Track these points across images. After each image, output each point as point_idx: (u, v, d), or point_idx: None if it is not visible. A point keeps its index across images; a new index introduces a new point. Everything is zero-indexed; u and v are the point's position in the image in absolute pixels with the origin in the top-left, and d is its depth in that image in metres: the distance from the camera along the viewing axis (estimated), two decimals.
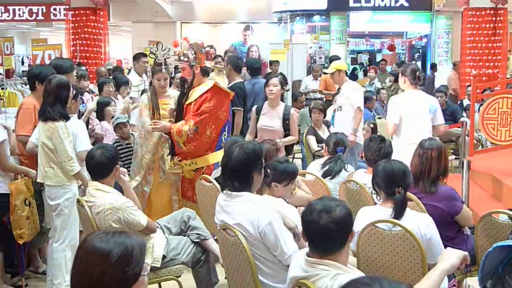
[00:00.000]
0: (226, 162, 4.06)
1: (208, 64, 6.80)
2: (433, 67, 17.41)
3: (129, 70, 11.62)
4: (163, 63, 6.65)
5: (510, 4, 14.46)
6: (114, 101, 7.70)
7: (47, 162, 5.50)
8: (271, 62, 13.84)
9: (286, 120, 7.15)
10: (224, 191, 4.08)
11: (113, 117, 7.48)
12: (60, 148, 5.42)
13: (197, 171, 6.39)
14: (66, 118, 5.55)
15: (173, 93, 7.01)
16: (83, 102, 7.56)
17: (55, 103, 5.50)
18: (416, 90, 6.87)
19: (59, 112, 5.48)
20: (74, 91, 6.01)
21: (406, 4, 18.19)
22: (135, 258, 2.30)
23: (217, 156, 6.25)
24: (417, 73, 6.82)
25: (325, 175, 6.06)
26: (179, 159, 6.40)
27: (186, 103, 6.42)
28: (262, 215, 3.81)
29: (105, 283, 2.25)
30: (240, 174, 3.97)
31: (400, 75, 7.06)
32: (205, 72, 6.56)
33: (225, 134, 6.45)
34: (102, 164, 4.60)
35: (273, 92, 7.11)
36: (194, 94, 6.39)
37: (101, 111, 7.45)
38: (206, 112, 6.23)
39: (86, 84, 8.70)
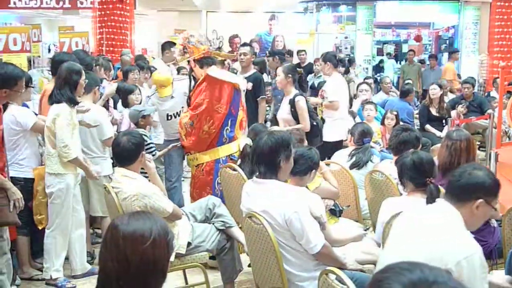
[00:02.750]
0: (255, 148, 4.07)
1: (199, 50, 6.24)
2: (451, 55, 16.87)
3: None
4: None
5: None
6: (139, 89, 7.68)
7: (48, 147, 5.51)
8: (298, 51, 13.78)
9: (292, 108, 7.10)
10: (252, 179, 4.09)
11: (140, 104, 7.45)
12: (59, 132, 5.39)
13: (198, 167, 6.24)
14: (74, 102, 5.53)
15: None
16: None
17: (63, 87, 5.51)
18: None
19: (66, 95, 5.47)
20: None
21: None
22: (170, 236, 2.31)
23: (217, 153, 6.14)
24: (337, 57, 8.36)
25: (353, 166, 6.01)
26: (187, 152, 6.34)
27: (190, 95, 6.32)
28: (289, 203, 3.81)
29: (145, 265, 2.24)
30: (268, 160, 3.97)
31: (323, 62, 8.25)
32: (203, 63, 6.20)
33: (227, 129, 6.13)
34: (128, 150, 4.62)
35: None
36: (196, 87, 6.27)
37: (125, 99, 7.42)
38: (200, 105, 6.03)
39: (105, 75, 8.66)
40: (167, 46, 9.74)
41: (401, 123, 8.36)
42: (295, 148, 4.31)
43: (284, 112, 7.18)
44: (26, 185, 5.57)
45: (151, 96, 7.33)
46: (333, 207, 4.99)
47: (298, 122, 7.10)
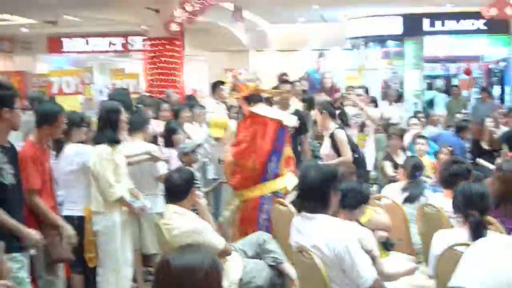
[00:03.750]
0: (303, 183, 4.08)
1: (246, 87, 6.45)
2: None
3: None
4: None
5: None
6: (182, 129, 7.76)
7: (93, 184, 5.59)
8: (346, 88, 13.78)
9: (333, 142, 7.00)
10: (301, 213, 4.09)
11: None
12: (102, 173, 5.43)
13: (244, 202, 6.27)
14: (115, 142, 5.58)
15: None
16: None
17: (105, 127, 5.60)
18: None
19: (107, 136, 5.55)
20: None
21: (483, 27, 17.75)
22: (220, 266, 2.34)
23: (262, 189, 6.17)
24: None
25: (406, 200, 5.95)
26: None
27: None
28: (339, 237, 3.79)
29: None
30: (316, 194, 3.97)
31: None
32: (251, 100, 6.33)
33: (272, 164, 6.16)
34: (179, 187, 4.69)
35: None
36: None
37: (169, 138, 7.46)
38: (243, 142, 6.11)
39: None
40: (217, 84, 9.87)
41: None
42: (345, 181, 4.31)
43: (326, 148, 7.13)
44: (79, 223, 5.65)
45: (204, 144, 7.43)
46: (384, 240, 4.94)
47: (339, 156, 6.97)
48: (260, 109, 6.26)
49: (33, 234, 4.42)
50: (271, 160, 6.16)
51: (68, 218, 5.41)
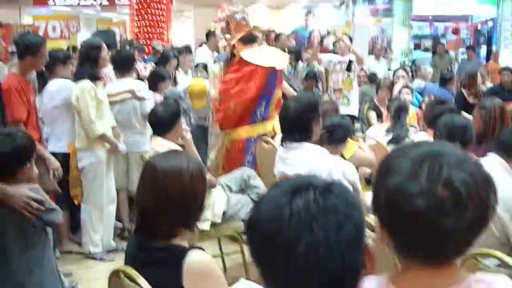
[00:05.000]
0: (284, 116, 4.10)
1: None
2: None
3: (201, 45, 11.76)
4: None
5: None
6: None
7: (77, 121, 5.57)
8: (334, 43, 13.75)
9: None
10: (284, 143, 4.12)
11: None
12: (84, 110, 5.41)
13: (232, 143, 6.28)
14: (95, 78, 5.54)
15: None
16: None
17: (84, 63, 5.57)
18: None
19: (87, 72, 5.51)
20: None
21: None
22: (204, 170, 2.38)
23: (250, 131, 6.17)
24: None
25: (392, 141, 6.00)
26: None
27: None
28: (322, 164, 3.84)
29: (185, 198, 2.31)
30: (299, 125, 4.00)
31: None
32: (247, 40, 6.26)
33: (261, 109, 6.17)
34: (164, 119, 4.71)
35: None
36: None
37: (155, 82, 7.43)
38: (229, 83, 6.12)
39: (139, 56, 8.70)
40: (211, 34, 9.81)
41: None
42: (330, 117, 4.34)
43: None
44: (64, 160, 5.62)
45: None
46: (369, 177, 5.00)
47: None
48: (251, 54, 6.21)
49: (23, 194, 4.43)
50: (261, 103, 6.17)
51: (53, 155, 5.38)
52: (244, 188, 5.17)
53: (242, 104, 6.11)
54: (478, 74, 10.14)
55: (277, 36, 11.79)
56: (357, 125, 9.46)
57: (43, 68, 5.74)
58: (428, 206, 1.34)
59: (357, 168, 4.68)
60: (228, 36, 6.46)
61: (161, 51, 9.58)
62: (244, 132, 6.21)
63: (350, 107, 8.63)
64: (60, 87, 5.70)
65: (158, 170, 2.35)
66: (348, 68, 8.51)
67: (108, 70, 6.51)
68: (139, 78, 7.08)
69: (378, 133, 6.16)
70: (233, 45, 6.29)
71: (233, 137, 6.24)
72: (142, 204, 2.42)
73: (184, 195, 2.32)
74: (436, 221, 1.34)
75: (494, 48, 18.49)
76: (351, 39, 8.91)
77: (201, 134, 7.06)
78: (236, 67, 6.19)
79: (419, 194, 1.35)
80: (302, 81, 9.07)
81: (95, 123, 5.44)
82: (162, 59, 8.34)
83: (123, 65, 6.20)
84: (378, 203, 1.46)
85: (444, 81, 10.39)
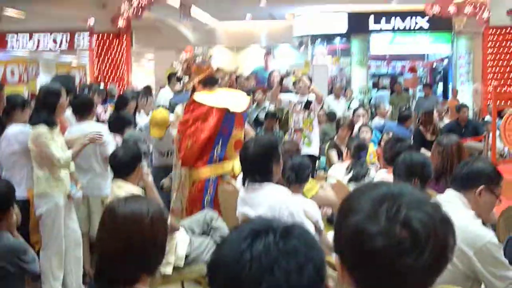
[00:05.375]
0: (244, 156, 4.11)
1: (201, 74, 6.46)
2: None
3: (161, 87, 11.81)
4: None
5: None
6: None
7: (34, 168, 5.50)
8: (293, 84, 13.87)
9: None
10: (245, 184, 4.12)
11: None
12: (47, 152, 5.34)
13: (193, 184, 6.27)
14: (51, 124, 5.47)
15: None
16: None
17: (41, 109, 5.50)
18: None
19: (43, 117, 5.43)
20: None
21: (426, 26, 18.18)
22: (166, 214, 2.37)
23: (208, 171, 6.17)
24: None
25: (352, 179, 6.05)
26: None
27: None
28: (284, 204, 3.84)
29: (146, 242, 2.29)
30: (259, 166, 4.01)
31: None
32: (207, 82, 6.38)
33: (217, 149, 6.20)
34: (125, 162, 4.69)
35: None
36: None
37: (117, 125, 7.44)
38: (185, 123, 6.19)
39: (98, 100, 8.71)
40: (173, 76, 9.86)
41: None
42: (293, 157, 4.38)
43: None
44: (23, 207, 5.53)
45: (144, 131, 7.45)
46: (330, 216, 5.03)
47: None
48: (204, 96, 6.27)
49: None
50: (218, 143, 6.19)
51: None
52: (206, 230, 5.15)
53: (197, 144, 6.14)
54: (435, 111, 10.34)
55: (237, 78, 11.87)
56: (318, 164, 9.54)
57: (1, 113, 5.68)
58: (387, 246, 1.36)
59: (319, 207, 4.71)
60: (187, 78, 6.52)
61: (120, 94, 9.59)
62: (201, 172, 6.21)
63: (311, 147, 8.69)
64: (18, 132, 5.64)
65: (118, 214, 2.33)
66: (306, 107, 8.60)
67: (68, 113, 6.48)
68: (99, 121, 7.05)
69: (339, 171, 6.22)
70: (194, 86, 6.34)
71: (193, 178, 6.24)
72: (102, 249, 2.39)
73: (145, 240, 2.30)
74: (395, 261, 1.36)
75: (450, 85, 18.92)
76: (310, 79, 9.01)
77: (163, 175, 7.03)
78: (191, 108, 6.24)
79: (378, 233, 1.37)
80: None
81: (59, 155, 5.35)
82: (121, 102, 8.36)
83: (82, 109, 6.18)
84: (339, 242, 1.48)
85: (403, 119, 10.57)
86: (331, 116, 11.02)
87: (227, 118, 6.25)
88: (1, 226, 3.23)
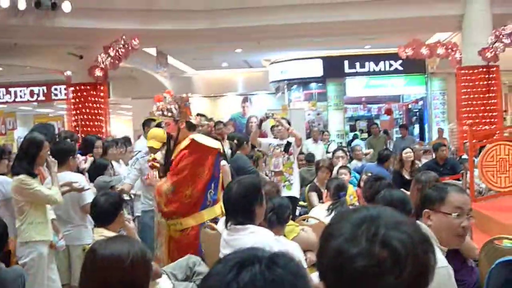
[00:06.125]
0: (227, 199, 4.12)
1: (194, 120, 6.39)
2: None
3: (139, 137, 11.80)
4: None
5: (502, 63, 14.70)
6: (112, 164, 7.81)
7: (18, 217, 5.50)
8: (272, 128, 13.93)
9: None
10: (228, 226, 4.13)
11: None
12: (37, 194, 5.37)
13: (183, 231, 6.09)
14: (31, 174, 5.51)
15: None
16: None
17: (22, 158, 5.54)
18: None
19: (23, 167, 5.48)
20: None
21: (400, 68, 18.51)
22: (148, 256, 2.36)
23: (203, 216, 6.05)
24: None
25: None
26: (165, 218, 6.16)
27: (171, 159, 6.16)
28: (267, 246, 3.81)
29: (124, 285, 2.28)
30: (241, 208, 4.02)
31: None
32: (191, 126, 6.22)
33: (211, 192, 6.11)
34: (106, 210, 4.67)
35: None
36: (176, 150, 6.15)
37: (97, 173, 7.47)
38: (183, 170, 5.96)
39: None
40: (147, 122, 9.87)
41: None
42: (273, 199, 4.40)
43: None
44: (5, 257, 5.50)
45: (140, 159, 7.41)
46: (314, 263, 5.01)
47: None
48: (199, 137, 6.22)
49: None
50: (210, 187, 6.12)
51: None
52: (189, 275, 5.12)
53: (198, 190, 6.01)
54: (408, 151, 10.42)
55: (216, 124, 11.93)
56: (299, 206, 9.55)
57: None
58: (368, 266, 1.39)
59: (304, 252, 4.73)
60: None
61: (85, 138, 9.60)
62: (198, 217, 6.07)
63: (291, 189, 8.72)
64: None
65: (98, 256, 2.33)
66: (286, 149, 8.66)
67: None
68: (79, 171, 7.03)
69: (320, 212, 6.24)
70: (179, 129, 6.17)
71: (186, 225, 6.08)
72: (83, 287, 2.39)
73: (124, 282, 2.29)
74: (377, 281, 1.39)
75: (426, 126, 19.15)
76: (289, 122, 9.10)
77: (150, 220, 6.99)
78: (184, 153, 6.08)
79: (358, 254, 1.40)
80: None
81: (49, 192, 5.39)
82: (86, 146, 8.41)
83: (62, 158, 6.17)
84: (321, 266, 1.50)
85: (383, 159, 10.64)
86: (309, 159, 11.08)
87: (217, 159, 6.24)
88: None
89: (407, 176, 10.12)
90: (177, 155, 6.09)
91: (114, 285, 2.28)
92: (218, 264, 1.41)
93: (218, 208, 6.13)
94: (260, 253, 1.40)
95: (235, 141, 9.44)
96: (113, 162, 8.30)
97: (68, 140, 7.63)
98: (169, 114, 6.02)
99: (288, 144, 8.75)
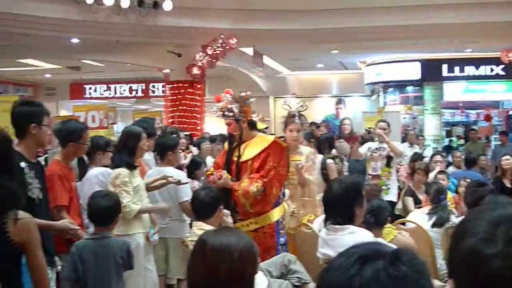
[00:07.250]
0: (328, 198, 4.10)
1: (255, 117, 6.15)
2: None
3: None
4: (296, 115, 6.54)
5: None
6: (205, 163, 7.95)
7: None
8: (368, 131, 13.73)
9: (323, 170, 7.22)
10: (327, 226, 4.10)
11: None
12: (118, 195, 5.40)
13: (257, 231, 5.82)
14: (131, 166, 5.60)
15: (305, 150, 6.81)
16: None
17: (122, 151, 5.67)
18: None
19: (123, 159, 5.59)
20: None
21: (502, 73, 17.85)
22: (256, 249, 2.36)
23: (276, 213, 5.95)
24: None
25: (436, 224, 5.93)
26: (239, 218, 5.86)
27: (241, 160, 5.93)
28: None
29: (233, 275, 2.30)
30: (341, 208, 3.99)
31: None
32: (253, 126, 6.02)
33: (283, 189, 6.16)
34: (206, 204, 4.72)
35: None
36: (250, 150, 5.94)
37: (193, 170, 7.65)
38: (271, 170, 5.82)
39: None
40: None
41: None
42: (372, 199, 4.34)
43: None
44: None
45: None
46: None
47: None
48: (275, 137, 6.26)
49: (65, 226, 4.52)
50: (284, 185, 6.19)
51: None
52: (284, 272, 5.10)
53: (280, 188, 6.03)
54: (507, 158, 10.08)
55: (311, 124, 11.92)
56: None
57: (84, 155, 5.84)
58: (505, 268, 1.32)
59: None
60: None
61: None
62: (275, 215, 5.95)
63: (389, 194, 8.61)
64: (99, 174, 5.79)
65: (208, 245, 2.36)
66: (388, 164, 8.61)
67: (148, 157, 6.61)
68: (179, 167, 7.10)
69: (419, 217, 6.11)
70: (241, 128, 6.04)
71: (262, 223, 5.89)
72: (191, 279, 2.42)
73: (232, 272, 2.31)
74: None
75: None
76: (388, 124, 9.00)
77: None
78: (269, 152, 6.00)
79: (495, 256, 1.33)
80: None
81: (128, 206, 5.43)
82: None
83: (162, 152, 6.27)
84: (453, 265, 1.45)
85: (468, 163, 10.37)
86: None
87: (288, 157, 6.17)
88: None
89: (508, 184, 9.79)
90: (257, 155, 5.91)
91: (223, 276, 2.30)
92: (340, 256, 1.38)
93: (284, 205, 6.14)
94: (383, 248, 1.36)
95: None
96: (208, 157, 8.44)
97: (174, 136, 7.69)
98: (230, 114, 5.85)
99: (389, 157, 8.72)
